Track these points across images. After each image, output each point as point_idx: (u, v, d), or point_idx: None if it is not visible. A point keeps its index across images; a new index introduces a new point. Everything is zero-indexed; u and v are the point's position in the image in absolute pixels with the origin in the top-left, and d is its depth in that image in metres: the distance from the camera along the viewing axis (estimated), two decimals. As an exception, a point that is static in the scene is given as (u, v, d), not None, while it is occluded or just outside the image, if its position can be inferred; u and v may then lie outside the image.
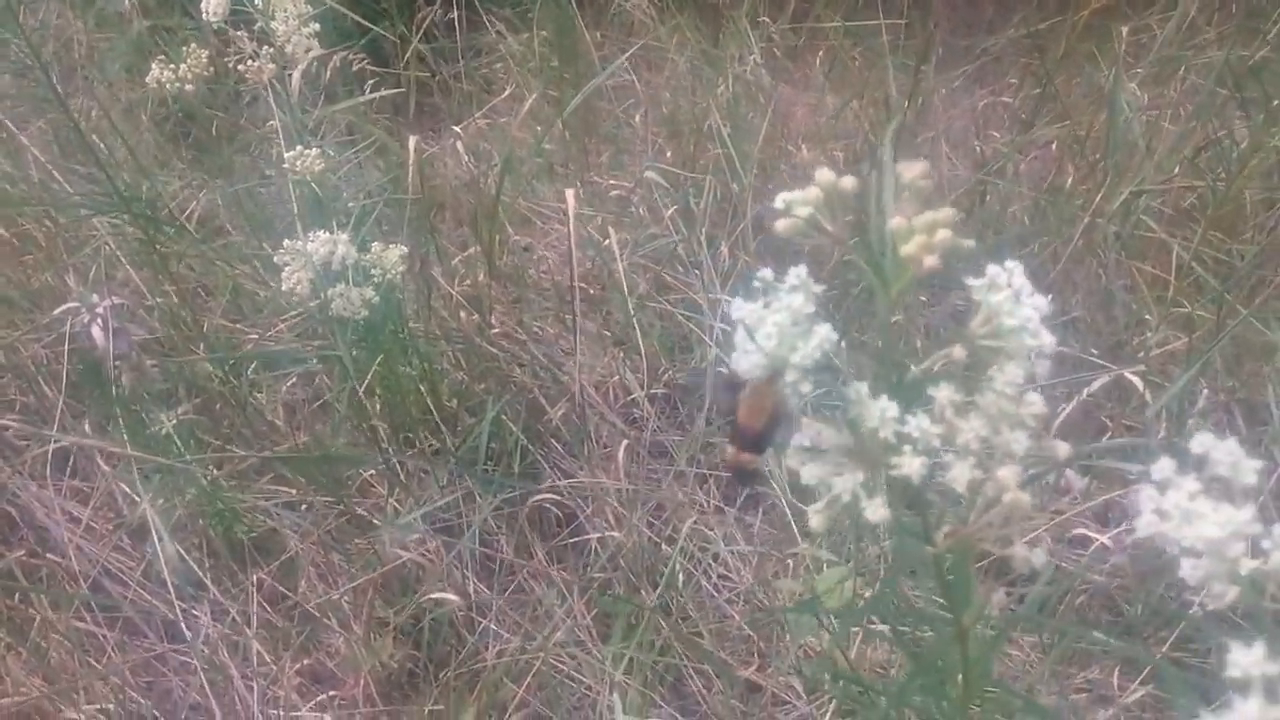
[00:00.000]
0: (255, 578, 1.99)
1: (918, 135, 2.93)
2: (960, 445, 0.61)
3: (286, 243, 1.63)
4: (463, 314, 2.28)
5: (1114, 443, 1.80)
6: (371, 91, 2.45)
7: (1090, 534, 1.87)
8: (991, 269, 0.64)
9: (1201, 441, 0.61)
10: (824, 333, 0.61)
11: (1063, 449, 0.63)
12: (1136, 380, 1.74)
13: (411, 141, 1.99)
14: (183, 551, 1.98)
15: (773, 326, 0.61)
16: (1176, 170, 2.07)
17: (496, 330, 2.37)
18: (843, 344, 0.63)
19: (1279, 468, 1.49)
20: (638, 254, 2.63)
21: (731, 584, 2.05)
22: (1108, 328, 2.17)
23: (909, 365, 0.63)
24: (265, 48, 1.58)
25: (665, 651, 1.88)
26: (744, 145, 2.81)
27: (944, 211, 0.58)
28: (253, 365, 2.30)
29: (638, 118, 3.13)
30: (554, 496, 2.09)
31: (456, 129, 2.75)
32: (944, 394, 0.61)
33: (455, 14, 3.28)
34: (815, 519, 0.62)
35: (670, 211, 2.67)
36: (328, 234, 1.62)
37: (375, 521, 2.07)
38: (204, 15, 1.53)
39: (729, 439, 0.68)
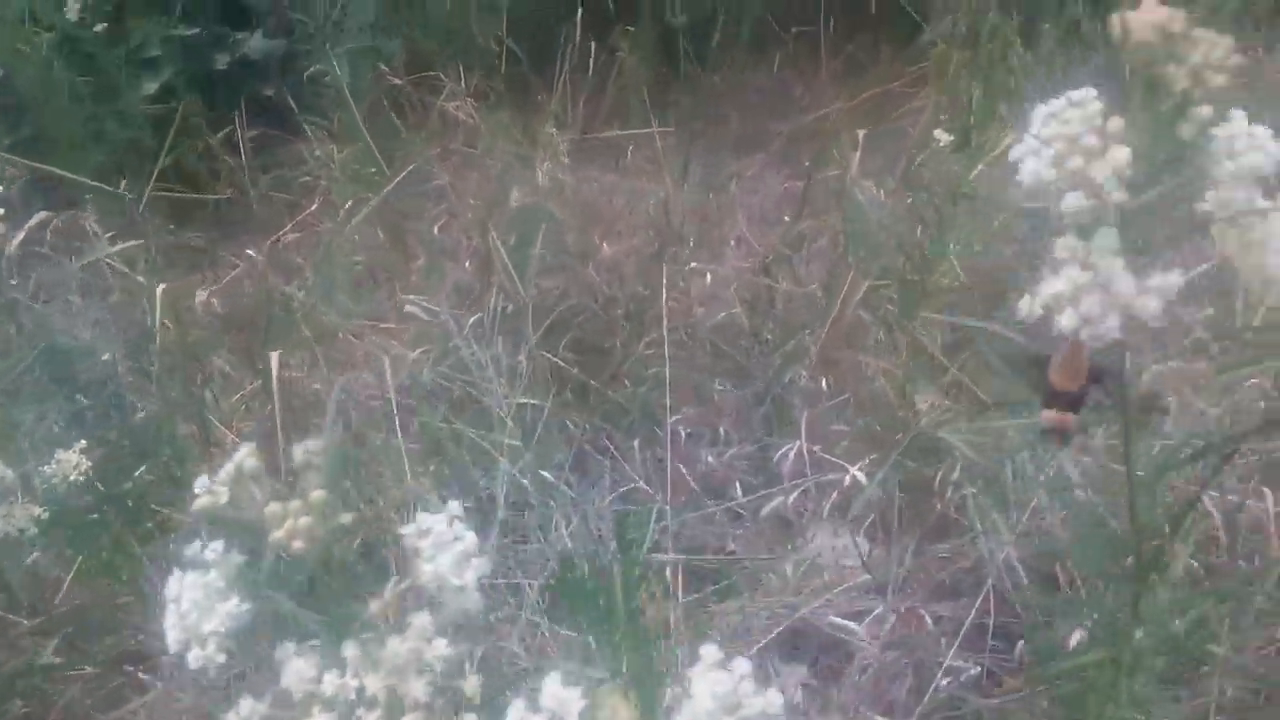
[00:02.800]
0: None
1: (719, 225, 3.04)
2: (368, 698, 0.65)
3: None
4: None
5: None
6: (111, 244, 2.45)
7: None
8: (424, 517, 0.70)
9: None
10: (229, 607, 0.65)
11: (472, 685, 0.68)
12: (860, 475, 1.83)
13: (159, 290, 2.01)
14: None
15: (188, 601, 0.66)
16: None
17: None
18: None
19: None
20: (443, 364, 2.67)
21: None
22: (871, 404, 2.27)
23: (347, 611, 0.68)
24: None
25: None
26: (551, 242, 2.90)
27: (316, 494, 0.63)
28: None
29: (447, 224, 3.19)
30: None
31: (251, 252, 2.78)
32: (352, 651, 0.66)
33: (259, 130, 3.32)
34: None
35: (472, 320, 2.72)
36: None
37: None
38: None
39: (1044, 404, 0.76)
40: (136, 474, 2.19)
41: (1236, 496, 1.88)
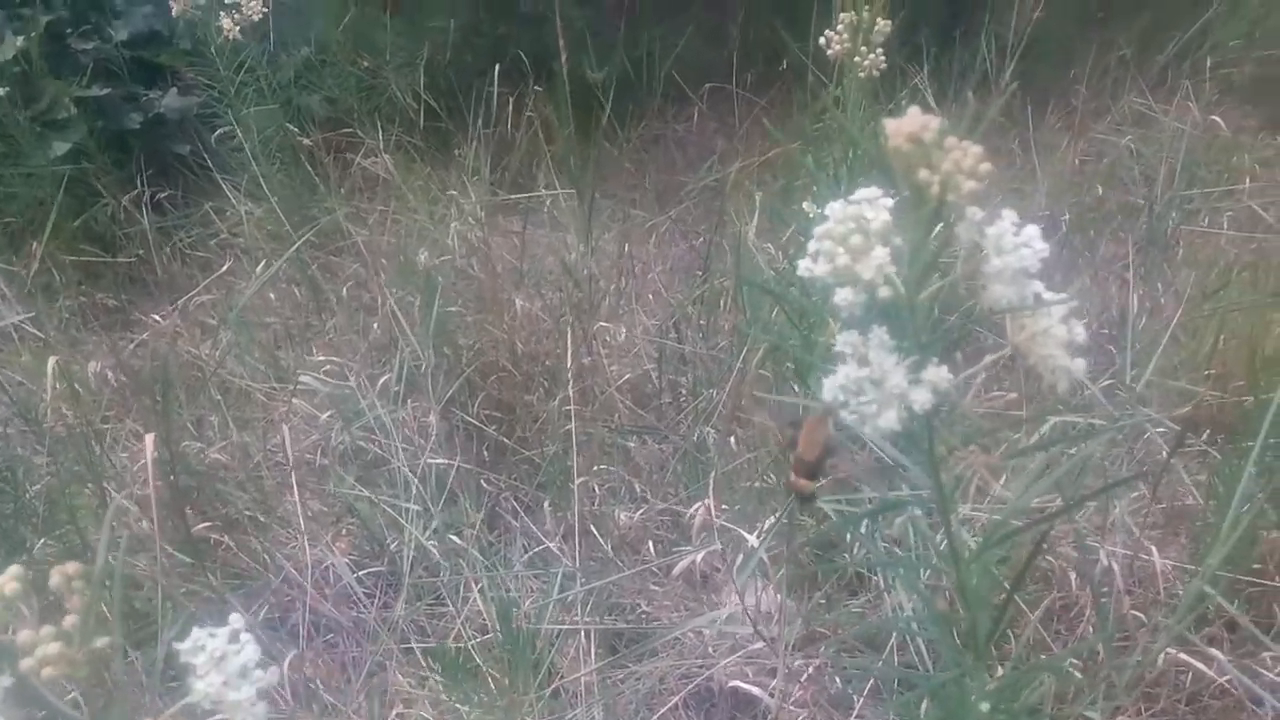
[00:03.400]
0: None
1: (632, 280, 3.04)
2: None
3: None
4: (145, 523, 2.25)
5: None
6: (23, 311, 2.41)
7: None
8: (198, 633, 0.68)
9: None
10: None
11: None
12: (753, 539, 1.82)
13: (51, 363, 1.97)
14: None
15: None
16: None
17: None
18: None
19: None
20: (354, 425, 2.64)
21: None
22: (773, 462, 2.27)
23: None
24: None
25: None
26: (465, 299, 2.90)
27: (70, 620, 0.61)
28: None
29: (363, 282, 3.17)
30: None
31: (158, 317, 2.73)
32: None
33: (173, 190, 3.29)
34: None
35: (382, 380, 2.70)
36: None
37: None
38: None
39: (791, 467, 0.83)
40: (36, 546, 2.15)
41: (1129, 551, 1.90)
